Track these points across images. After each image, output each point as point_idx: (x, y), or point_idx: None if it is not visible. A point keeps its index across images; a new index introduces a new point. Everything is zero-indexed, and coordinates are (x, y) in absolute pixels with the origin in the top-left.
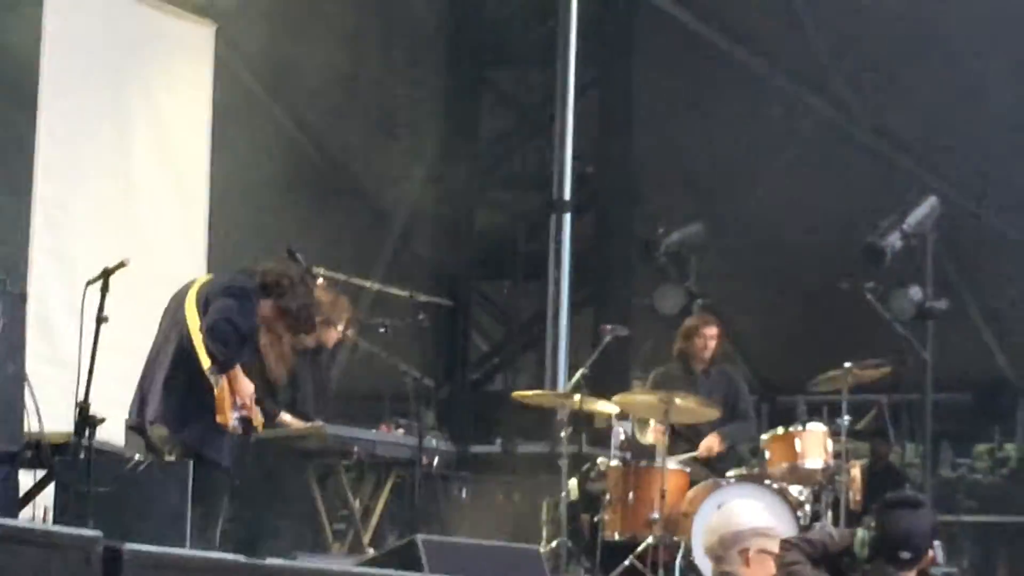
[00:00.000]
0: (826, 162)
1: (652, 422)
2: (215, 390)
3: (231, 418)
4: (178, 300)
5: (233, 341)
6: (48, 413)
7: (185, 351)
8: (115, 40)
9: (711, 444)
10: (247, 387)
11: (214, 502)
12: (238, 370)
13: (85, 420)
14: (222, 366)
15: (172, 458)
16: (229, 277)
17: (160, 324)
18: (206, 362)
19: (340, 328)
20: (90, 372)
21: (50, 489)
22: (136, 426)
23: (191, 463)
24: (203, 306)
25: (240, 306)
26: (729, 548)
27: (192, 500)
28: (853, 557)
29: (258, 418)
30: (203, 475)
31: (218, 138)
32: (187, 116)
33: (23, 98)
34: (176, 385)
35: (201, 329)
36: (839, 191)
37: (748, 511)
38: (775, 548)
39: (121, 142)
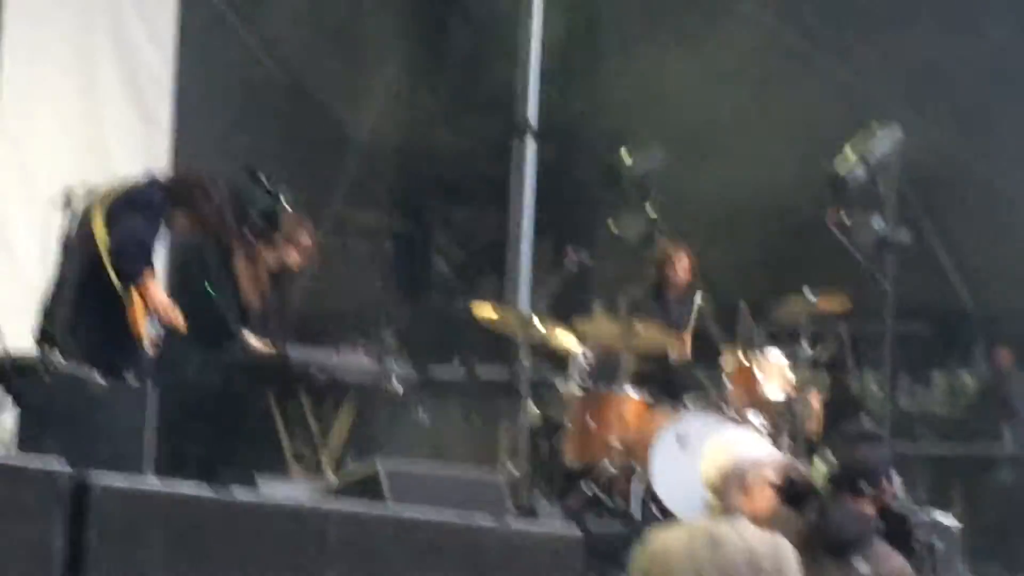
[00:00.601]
0: (792, 90)
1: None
2: (126, 304)
3: (146, 331)
4: (85, 213)
5: (140, 256)
6: (11, 334)
7: (94, 266)
8: None
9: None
10: (160, 297)
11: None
12: (149, 282)
13: (46, 340)
14: (131, 281)
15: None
16: (132, 187)
17: (66, 237)
18: (116, 280)
19: (302, 247)
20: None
21: (11, 412)
22: (43, 340)
23: (154, 388)
24: (108, 221)
25: (145, 219)
26: (729, 480)
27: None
28: (813, 489)
29: (180, 321)
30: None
31: (183, 58)
32: (151, 35)
33: None
34: (87, 301)
35: (108, 248)
36: (803, 119)
37: (746, 442)
38: (773, 476)
39: (84, 61)
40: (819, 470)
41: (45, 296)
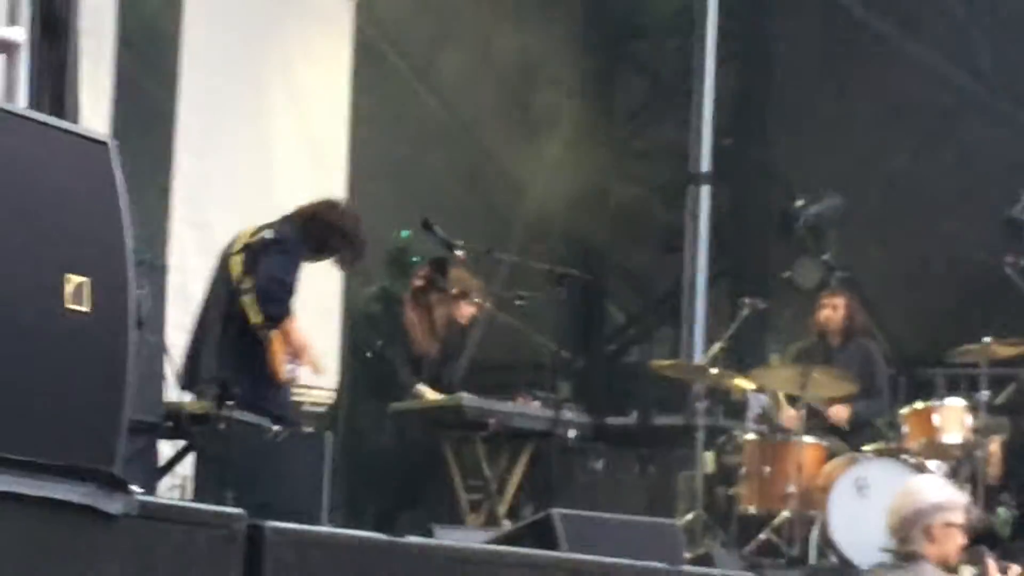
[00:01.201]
0: (965, 134)
1: (781, 404)
2: (267, 345)
3: (284, 371)
4: (223, 256)
5: (285, 298)
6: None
7: (233, 308)
8: (254, 13)
9: (840, 413)
10: (300, 337)
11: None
12: (290, 324)
13: (224, 390)
14: (274, 323)
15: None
16: (274, 230)
17: (210, 283)
18: (255, 318)
19: (475, 301)
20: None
21: (190, 459)
22: (187, 387)
23: (330, 435)
24: (249, 262)
25: (288, 260)
26: (912, 527)
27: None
28: (995, 536)
29: (319, 364)
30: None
31: (357, 110)
32: (326, 89)
33: (164, 73)
34: (228, 343)
35: (251, 287)
36: (978, 164)
37: (928, 487)
38: (959, 519)
39: (260, 115)
40: (1002, 517)
41: (189, 342)
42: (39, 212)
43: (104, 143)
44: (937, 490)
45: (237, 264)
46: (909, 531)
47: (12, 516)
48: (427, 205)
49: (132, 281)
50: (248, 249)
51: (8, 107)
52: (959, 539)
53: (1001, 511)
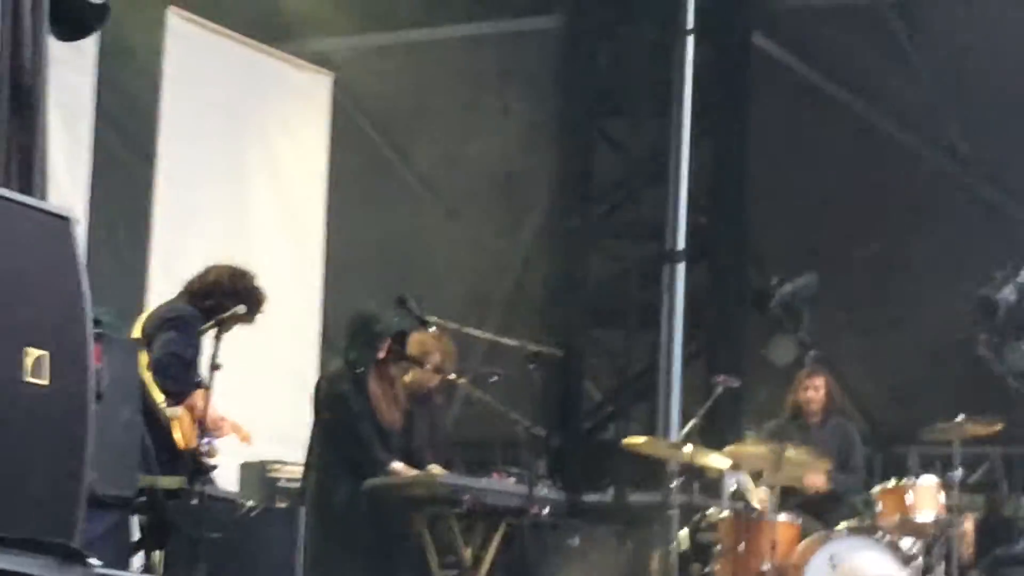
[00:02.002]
0: (940, 212)
1: (751, 487)
2: (172, 422)
3: (197, 444)
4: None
5: (181, 373)
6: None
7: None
8: (233, 87)
9: (816, 481)
10: (210, 411)
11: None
12: (195, 398)
13: (198, 467)
14: (176, 399)
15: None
16: (167, 307)
17: None
18: (159, 397)
19: (440, 368)
20: (203, 426)
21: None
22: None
23: (303, 510)
24: (147, 342)
25: (181, 335)
26: None
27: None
28: None
29: (243, 433)
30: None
31: (334, 185)
32: (304, 163)
33: (142, 145)
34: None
35: (148, 367)
36: (952, 242)
37: (867, 564)
38: None
39: (238, 188)
40: None
41: None
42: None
43: (66, 218)
44: (875, 566)
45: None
46: None
47: None
48: (403, 280)
49: (91, 355)
50: (144, 331)
51: None
52: None
53: None
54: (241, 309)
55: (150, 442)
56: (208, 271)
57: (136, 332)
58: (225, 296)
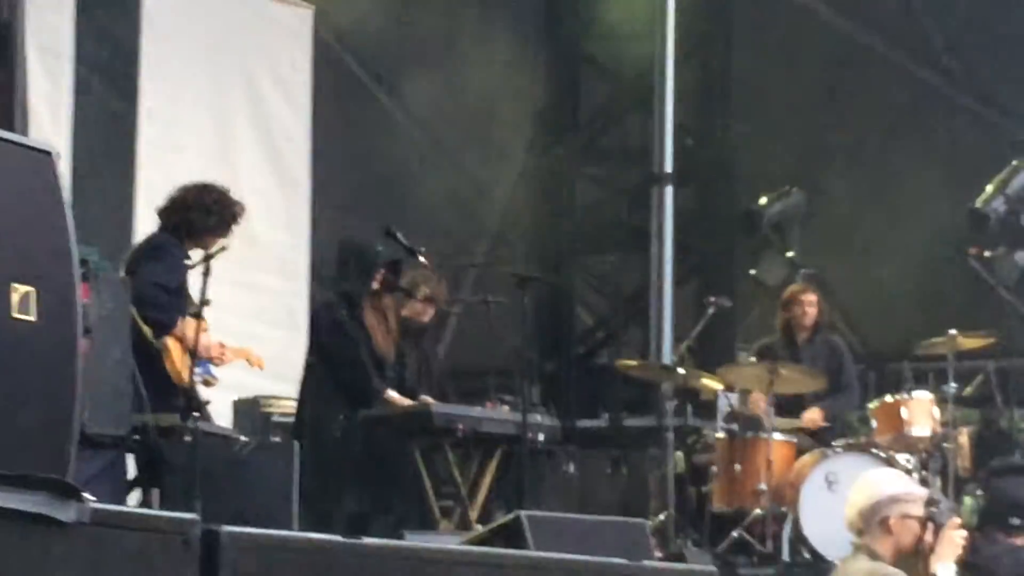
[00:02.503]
0: (928, 129)
1: (753, 392)
2: (163, 353)
3: (187, 375)
4: None
5: (165, 302)
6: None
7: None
8: (213, 24)
9: (814, 417)
10: (202, 339)
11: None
12: (184, 327)
13: (190, 403)
14: (163, 330)
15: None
16: (144, 240)
17: None
18: (148, 330)
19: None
20: (194, 355)
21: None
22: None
23: (297, 444)
24: (130, 277)
25: (160, 265)
26: (870, 520)
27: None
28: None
29: (255, 357)
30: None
31: (318, 119)
32: (287, 99)
33: (124, 85)
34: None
35: (132, 301)
36: (941, 157)
37: (883, 480)
38: (916, 511)
39: (222, 126)
40: (968, 506)
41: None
42: None
43: (48, 152)
44: (894, 482)
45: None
46: (866, 524)
47: None
48: (392, 213)
49: (78, 289)
50: (127, 268)
51: None
52: (917, 531)
53: (967, 500)
54: (225, 244)
55: (141, 378)
56: (176, 191)
57: (124, 266)
58: (195, 211)
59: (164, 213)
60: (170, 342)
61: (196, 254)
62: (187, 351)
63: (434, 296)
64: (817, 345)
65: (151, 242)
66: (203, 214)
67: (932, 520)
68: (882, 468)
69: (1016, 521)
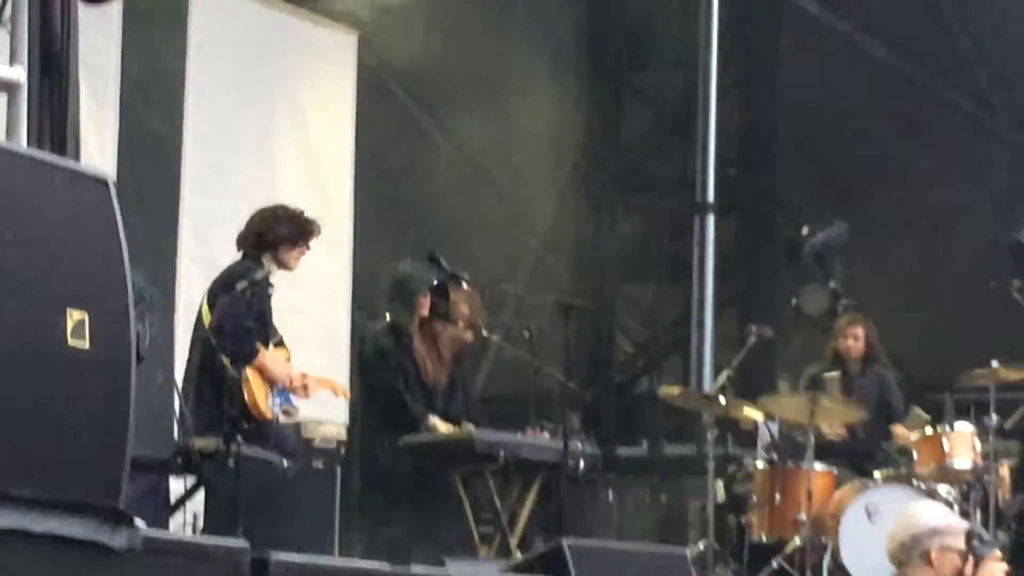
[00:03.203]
0: (969, 160)
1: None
2: (243, 386)
3: (269, 408)
4: (198, 309)
5: (243, 333)
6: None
7: (207, 355)
8: (259, 50)
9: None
10: (281, 370)
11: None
12: (263, 357)
13: (234, 427)
14: (243, 361)
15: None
16: (226, 270)
17: (191, 340)
18: (227, 361)
19: (470, 324)
20: (238, 381)
21: (200, 495)
22: (181, 447)
23: (339, 469)
24: (211, 304)
25: (235, 298)
26: (911, 552)
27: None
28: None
29: (339, 388)
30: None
31: (361, 145)
32: (331, 124)
33: (170, 110)
34: (206, 393)
35: (211, 332)
36: (983, 189)
37: (924, 512)
38: (957, 544)
39: (266, 151)
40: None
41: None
42: (40, 248)
43: (104, 180)
44: (935, 515)
45: (207, 313)
46: (907, 556)
47: (18, 552)
48: (434, 239)
49: (132, 316)
50: (209, 298)
51: (9, 145)
52: (958, 564)
53: (1000, 534)
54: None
55: (218, 410)
56: (253, 216)
57: (204, 298)
58: (266, 223)
59: (241, 238)
60: (250, 372)
61: (280, 275)
62: (267, 381)
63: (475, 321)
64: (868, 377)
65: (231, 271)
66: (274, 225)
67: (973, 553)
68: (923, 500)
69: None
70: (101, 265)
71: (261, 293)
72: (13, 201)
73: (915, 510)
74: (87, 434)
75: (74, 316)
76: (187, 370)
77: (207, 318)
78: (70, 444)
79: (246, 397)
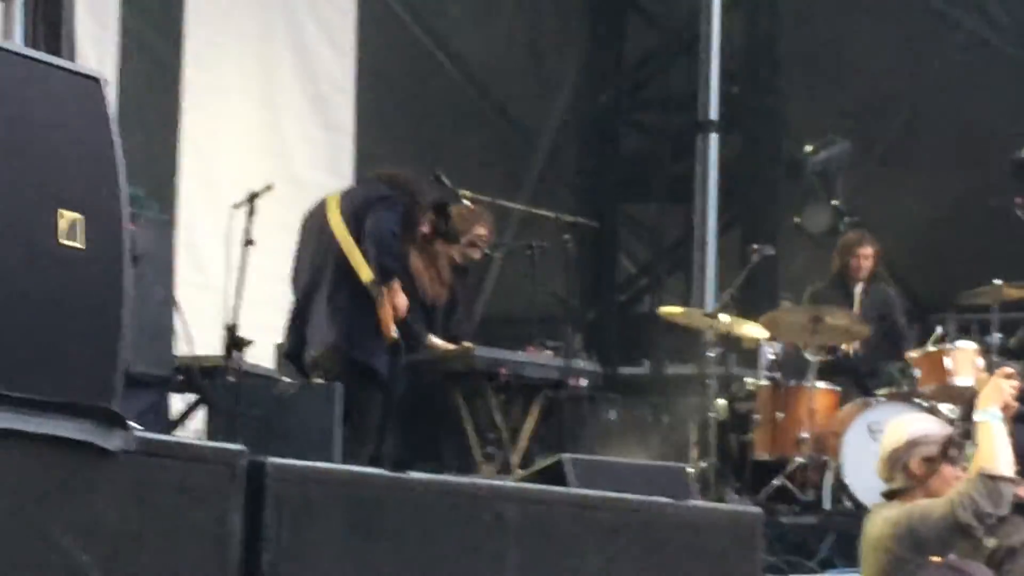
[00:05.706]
0: (975, 78)
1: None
2: (378, 304)
3: (393, 330)
4: (318, 221)
5: (397, 251)
6: (198, 338)
7: (342, 270)
8: None
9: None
10: (403, 300)
11: (371, 417)
12: (396, 282)
13: (234, 343)
14: (387, 278)
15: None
16: (371, 188)
17: (301, 250)
18: (366, 276)
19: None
20: (238, 296)
21: (201, 413)
22: (293, 354)
23: (340, 386)
24: (353, 221)
25: (395, 215)
26: (894, 467)
27: (352, 416)
28: None
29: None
30: (367, 390)
31: (362, 62)
32: (331, 42)
33: (168, 27)
34: (341, 306)
35: (368, 242)
36: (988, 107)
37: (903, 426)
38: (935, 452)
39: (266, 69)
40: None
41: (293, 310)
42: (31, 147)
43: (96, 79)
44: (912, 427)
45: (340, 226)
46: (892, 472)
47: (10, 453)
48: (434, 156)
49: (126, 217)
50: (348, 210)
51: (1, 44)
52: (946, 473)
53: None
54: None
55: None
56: (401, 172)
57: (335, 213)
58: (418, 192)
59: (390, 178)
60: (386, 292)
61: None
62: (392, 306)
63: (480, 238)
64: (871, 295)
65: (380, 192)
66: (425, 198)
67: (949, 461)
68: (907, 414)
69: None
70: (94, 165)
71: (400, 217)
72: (3, 99)
73: (895, 425)
74: (81, 334)
75: (67, 216)
76: (310, 283)
77: (343, 233)
78: (64, 345)
79: (381, 313)
